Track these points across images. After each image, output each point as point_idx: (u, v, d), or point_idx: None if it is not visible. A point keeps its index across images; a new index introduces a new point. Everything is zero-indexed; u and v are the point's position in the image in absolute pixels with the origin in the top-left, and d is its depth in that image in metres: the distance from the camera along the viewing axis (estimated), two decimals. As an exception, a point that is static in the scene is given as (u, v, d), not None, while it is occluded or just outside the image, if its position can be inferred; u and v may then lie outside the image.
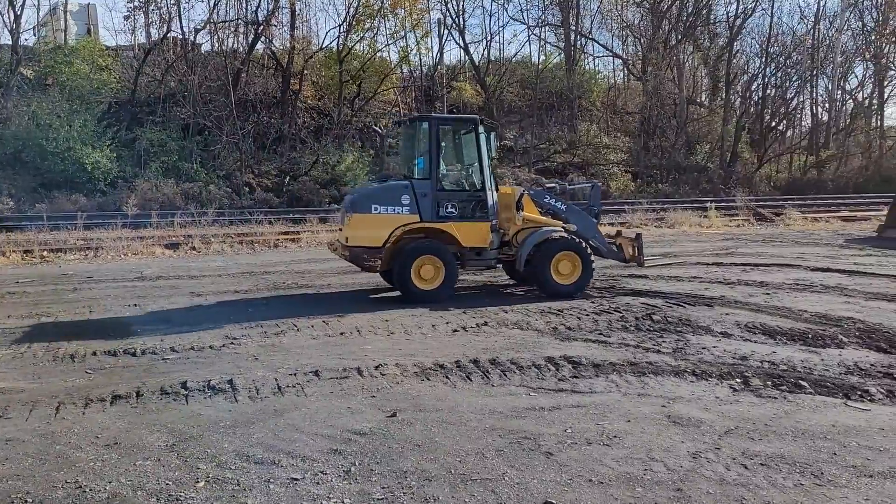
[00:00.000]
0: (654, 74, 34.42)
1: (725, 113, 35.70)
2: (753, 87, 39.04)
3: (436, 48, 33.91)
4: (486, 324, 8.25)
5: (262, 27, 28.95)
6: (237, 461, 4.44)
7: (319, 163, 26.21)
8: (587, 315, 8.72)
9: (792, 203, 25.02)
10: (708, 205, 23.46)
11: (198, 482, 4.14)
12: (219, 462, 4.42)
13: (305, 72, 29.61)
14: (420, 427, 5.00)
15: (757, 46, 38.33)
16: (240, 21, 30.39)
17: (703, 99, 40.35)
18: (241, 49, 30.58)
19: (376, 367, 6.44)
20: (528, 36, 39.90)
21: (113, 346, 7.31)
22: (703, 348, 7.17)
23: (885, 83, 39.69)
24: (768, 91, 38.35)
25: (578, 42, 37.53)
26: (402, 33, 31.59)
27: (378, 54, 31.44)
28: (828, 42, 38.45)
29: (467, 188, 9.96)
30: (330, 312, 8.97)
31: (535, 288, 10.31)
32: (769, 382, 6.04)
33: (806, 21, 39.86)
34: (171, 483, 4.14)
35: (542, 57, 38.39)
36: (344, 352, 7.08)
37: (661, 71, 34.90)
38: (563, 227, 10.19)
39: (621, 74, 41.84)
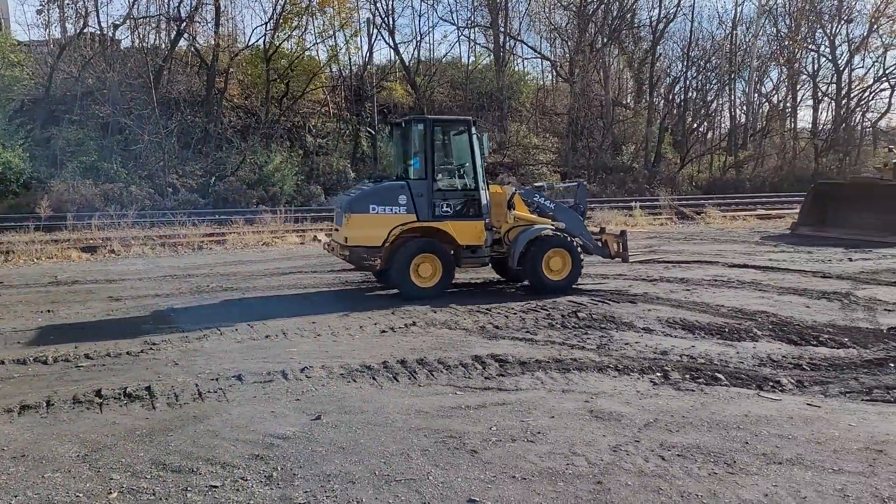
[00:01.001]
0: (581, 76, 35.06)
1: (649, 114, 36.66)
2: (676, 89, 40.24)
3: (365, 47, 33.70)
4: (414, 324, 8.24)
5: (184, 24, 28.16)
6: (153, 470, 4.29)
7: (247, 163, 25.68)
8: (515, 314, 8.81)
9: (712, 202, 25.88)
10: (633, 204, 24.06)
11: (111, 493, 3.99)
12: (133, 472, 4.27)
13: (231, 70, 28.96)
14: (345, 429, 4.95)
15: (679, 50, 39.53)
16: (161, 17, 29.51)
17: (628, 101, 41.34)
18: (164, 46, 29.68)
19: (302, 370, 6.34)
20: (458, 37, 40.27)
21: (22, 355, 6.97)
22: (626, 344, 7.34)
23: (798, 87, 41.51)
24: (690, 94, 39.61)
25: (507, 44, 37.94)
26: (331, 32, 31.27)
27: (306, 53, 31.03)
28: (745, 47, 39.95)
29: (461, 188, 10.17)
30: (256, 315, 8.80)
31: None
32: (687, 375, 6.23)
33: (724, 26, 41.26)
34: (81, 495, 3.97)
35: (472, 58, 38.66)
36: (269, 355, 6.94)
37: (588, 73, 35.59)
38: (552, 225, 10.47)
39: (550, 76, 42.49)
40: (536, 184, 11.92)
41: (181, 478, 4.19)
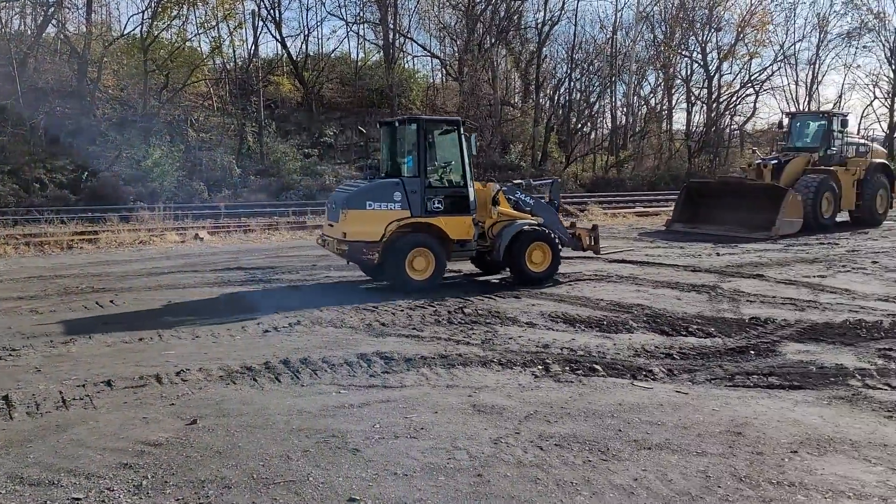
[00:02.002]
0: (470, 76, 35.52)
1: (536, 114, 37.62)
2: (561, 90, 41.50)
3: (251, 40, 32.73)
4: (298, 323, 8.08)
5: (52, 9, 26.41)
6: (9, 484, 4.00)
7: (123, 158, 24.39)
8: (402, 311, 8.81)
9: (594, 199, 26.85)
10: (520, 201, 24.56)
11: (-43, 513, 3.68)
12: (-15, 488, 3.95)
13: (105, 59, 27.41)
14: (222, 433, 4.78)
15: (563, 53, 40.81)
16: (27, 1, 27.54)
17: (516, 101, 42.23)
18: (30, 32, 27.73)
19: (177, 374, 6.08)
20: (347, 32, 39.77)
21: None
22: (510, 338, 7.48)
23: (673, 91, 43.76)
24: (574, 95, 40.96)
25: (397, 41, 37.91)
26: (214, 23, 30.16)
27: (187, 44, 29.80)
28: (624, 51, 41.70)
29: (451, 185, 10.49)
30: (129, 317, 8.37)
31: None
32: (567, 368, 6.42)
33: (605, 31, 42.84)
34: (-77, 517, 3.64)
35: (362, 54, 38.42)
36: (142, 358, 6.62)
37: (476, 72, 36.09)
38: (532, 220, 10.95)
39: (440, 74, 42.84)
40: (515, 181, 12.47)
41: (40, 491, 3.92)
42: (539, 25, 37.76)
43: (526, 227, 10.69)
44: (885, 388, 5.83)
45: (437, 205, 10.20)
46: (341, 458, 4.40)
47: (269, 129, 29.25)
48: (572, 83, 40.19)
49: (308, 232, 18.05)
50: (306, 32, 37.49)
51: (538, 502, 3.85)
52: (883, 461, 4.36)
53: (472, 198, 10.47)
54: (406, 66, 39.18)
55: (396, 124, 10.92)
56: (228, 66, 32.49)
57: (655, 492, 3.96)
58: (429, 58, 40.78)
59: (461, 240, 10.43)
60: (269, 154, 28.11)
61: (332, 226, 10.39)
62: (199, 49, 30.96)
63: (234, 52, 32.12)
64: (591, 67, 40.50)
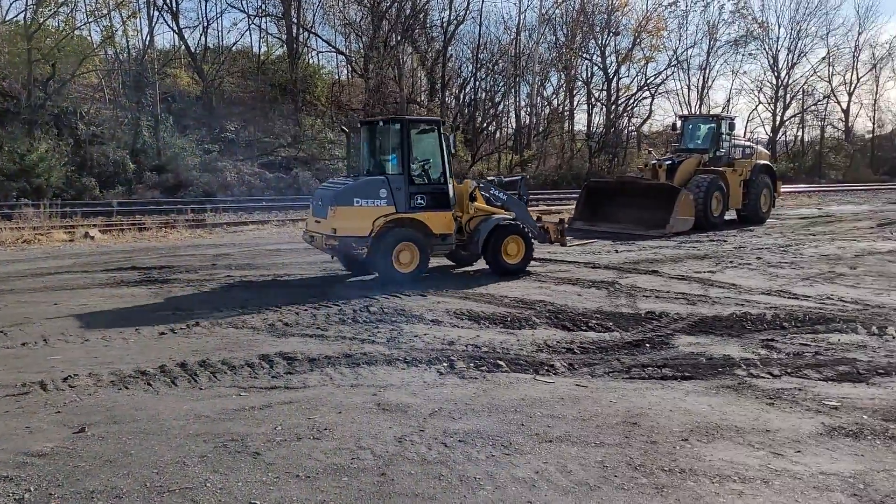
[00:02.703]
0: (376, 73, 35.36)
1: (442, 113, 37.84)
2: (467, 89, 41.97)
3: (146, 30, 31.39)
4: (197, 324, 7.81)
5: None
6: None
7: (4, 152, 22.90)
8: (306, 310, 8.66)
9: (499, 198, 27.21)
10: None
11: None
12: None
13: (-15, 47, 25.68)
14: (113, 441, 4.56)
15: (469, 52, 41.27)
16: None
17: (422, 99, 42.38)
18: None
19: (64, 380, 5.76)
20: (249, 25, 38.59)
21: None
22: (416, 336, 7.48)
23: (574, 92, 45.07)
24: (479, 94, 41.50)
25: (301, 36, 37.27)
26: (105, 11, 28.77)
27: (76, 32, 28.29)
28: (528, 52, 42.54)
29: (432, 182, 10.84)
30: (10, 320, 7.86)
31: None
32: (472, 364, 6.48)
33: (509, 32, 43.62)
34: None
35: (264, 48, 37.55)
36: (25, 364, 6.24)
37: (382, 70, 35.97)
38: (506, 215, 11.53)
39: (345, 71, 42.42)
40: (489, 178, 13.14)
41: None
42: (444, 24, 38.06)
43: (502, 222, 11.27)
44: (768, 376, 6.19)
45: (419, 201, 10.63)
46: (241, 462, 4.28)
47: (165, 124, 28.16)
48: (477, 82, 40.74)
49: (207, 230, 17.51)
50: (205, 24, 36.15)
51: (442, 499, 3.86)
52: (765, 445, 4.62)
53: (451, 194, 10.98)
54: (311, 61, 38.61)
55: (381, 124, 11.32)
56: (122, 57, 31.07)
57: (556, 483, 4.06)
58: (334, 54, 40.31)
59: (442, 234, 10.91)
60: (166, 149, 27.06)
61: (318, 222, 10.60)
62: (89, 38, 29.46)
63: (127, 42, 30.74)
64: (495, 67, 41.15)
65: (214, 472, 4.13)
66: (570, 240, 13.83)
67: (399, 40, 37.45)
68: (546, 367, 6.45)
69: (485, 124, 41.96)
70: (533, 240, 11.71)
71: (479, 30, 41.18)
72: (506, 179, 13.03)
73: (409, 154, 10.54)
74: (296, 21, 35.65)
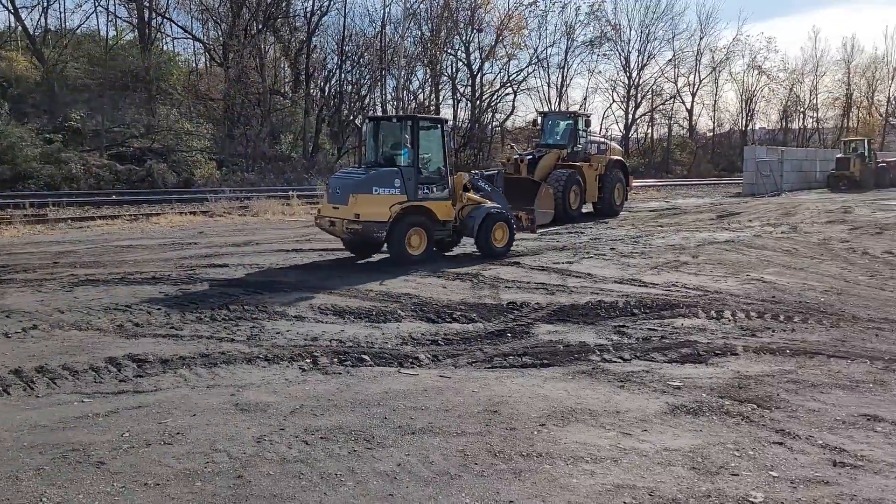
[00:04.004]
0: (236, 62, 34.10)
1: (307, 105, 37.13)
2: (332, 81, 41.39)
3: (-24, 8, 28.68)
4: (35, 327, 7.21)
5: None
6: None
7: None
8: (159, 309, 8.21)
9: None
10: (291, 193, 24.15)
11: None
12: None
13: None
14: (-68, 459, 4.12)
15: (334, 44, 40.69)
16: None
17: (286, 90, 41.35)
18: None
19: None
20: (95, 7, 35.96)
21: None
22: (278, 333, 7.29)
23: (440, 87, 45.58)
24: (345, 87, 41.04)
25: (154, 20, 35.34)
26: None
27: None
28: (393, 46, 42.53)
29: (436, 173, 12.03)
30: None
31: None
32: (336, 359, 6.39)
33: (374, 25, 43.44)
34: None
35: (113, 32, 35.28)
36: None
37: (243, 59, 34.74)
38: (492, 204, 12.76)
39: (203, 59, 40.67)
40: (474, 171, 14.54)
41: None
42: (308, 15, 37.29)
43: (492, 210, 12.56)
44: (619, 360, 6.52)
45: (426, 190, 11.78)
46: (82, 473, 3.99)
47: (2, 111, 25.81)
48: (343, 75, 40.25)
49: (49, 226, 16.24)
50: (45, 4, 33.44)
51: (301, 498, 3.77)
52: (616, 426, 4.86)
53: (450, 185, 12.20)
54: (165, 47, 36.72)
55: (394, 121, 12.91)
56: (-54, 36, 28.21)
57: (417, 474, 4.07)
58: (190, 41, 38.56)
59: (444, 220, 12.09)
60: (2, 139, 24.82)
61: (337, 209, 11.54)
62: None
63: (-47, 19, 27.92)
64: (361, 60, 40.82)
65: (52, 486, 3.82)
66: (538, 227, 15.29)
67: (260, 29, 36.33)
68: (410, 360, 6.46)
69: (351, 117, 41.58)
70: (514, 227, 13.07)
71: (344, 21, 40.65)
72: (486, 173, 14.29)
73: (418, 148, 11.66)
74: (147, 5, 33.75)
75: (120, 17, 35.57)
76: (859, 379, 5.97)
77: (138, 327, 7.38)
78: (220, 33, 36.95)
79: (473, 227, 12.32)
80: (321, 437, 4.57)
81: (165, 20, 36.42)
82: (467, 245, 13.01)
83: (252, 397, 5.33)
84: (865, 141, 40.03)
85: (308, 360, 6.33)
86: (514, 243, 13.07)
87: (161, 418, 4.86)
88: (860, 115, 67.29)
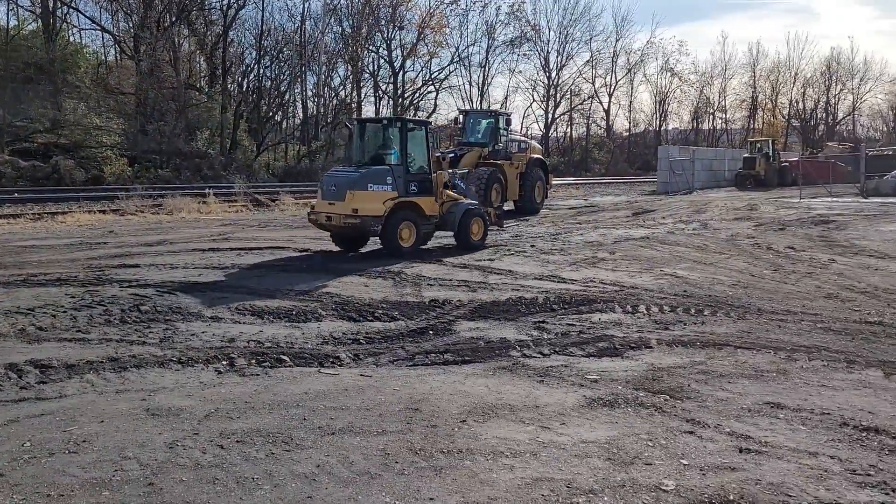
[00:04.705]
0: (148, 55, 32.93)
1: (224, 100, 36.22)
2: (251, 77, 40.53)
3: None
4: (-74, 333, 6.77)
5: None
6: None
7: None
8: (65, 312, 7.83)
9: (286, 189, 26.66)
10: (207, 191, 23.49)
11: None
12: None
13: None
14: None
15: (252, 38, 39.83)
16: None
17: (202, 85, 40.20)
18: None
19: None
20: (-5, -5, 34.09)
21: None
22: (193, 335, 7.08)
23: (362, 84, 45.24)
24: (264, 82, 40.25)
25: (60, 10, 33.72)
26: None
27: None
28: (314, 42, 41.97)
29: (422, 172, 12.85)
30: None
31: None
32: (253, 361, 6.25)
33: (294, 20, 42.74)
34: None
35: (14, 22, 33.48)
36: None
37: (156, 52, 33.57)
38: (471, 201, 13.88)
39: (113, 51, 39.09)
40: (450, 171, 15.06)
41: None
42: (224, 8, 36.37)
43: (470, 207, 13.51)
44: (539, 356, 6.62)
45: (413, 188, 12.58)
46: (-22, 487, 3.76)
47: None
48: (262, 70, 39.49)
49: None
50: (-63, -11, 31.36)
51: (216, 503, 3.67)
52: (535, 421, 4.93)
53: (434, 182, 12.98)
54: (72, 39, 35.12)
55: (385, 122, 13.54)
56: None
57: (337, 476, 4.02)
58: (99, 32, 36.99)
59: (430, 215, 12.85)
60: None
61: (333, 204, 12.16)
62: None
63: None
64: (280, 55, 40.13)
65: (-57, 503, 3.59)
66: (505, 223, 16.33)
67: (174, 21, 35.19)
68: (331, 360, 6.38)
69: (270, 113, 40.81)
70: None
71: (262, 16, 39.95)
72: (458, 172, 15.22)
73: (406, 148, 12.48)
74: (52, -7, 32.19)
75: (22, 7, 33.81)
76: (764, 368, 6.25)
77: (42, 331, 7.02)
78: (130, 25, 35.59)
79: (455, 223, 13.21)
80: (237, 441, 4.46)
81: (72, 10, 34.82)
82: (376, 242, 12.93)
83: (164, 402, 5.15)
84: (770, 141, 42.10)
85: (224, 362, 6.17)
86: (435, 239, 13.45)
87: (66, 426, 4.63)
88: (765, 116, 70.74)
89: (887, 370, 6.20)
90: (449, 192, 13.49)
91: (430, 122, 14.45)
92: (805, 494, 3.88)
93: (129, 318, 7.63)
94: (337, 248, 13.05)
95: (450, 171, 14.83)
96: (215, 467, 4.08)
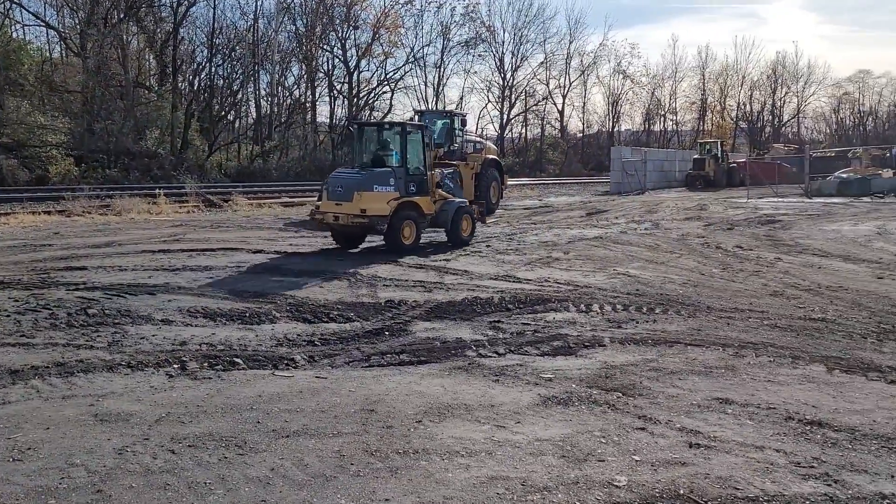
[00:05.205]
0: (95, 52, 32.12)
1: (175, 99, 35.54)
2: (202, 75, 39.85)
3: None
4: None
5: None
6: None
7: None
8: (8, 316, 7.59)
9: (239, 190, 26.30)
10: (157, 191, 23.01)
11: None
12: None
13: None
14: None
15: (203, 36, 39.17)
16: None
17: (151, 83, 39.36)
18: None
19: None
20: (-69, -12, 32.85)
21: None
22: (143, 338, 6.93)
23: (316, 84, 44.86)
24: (216, 81, 39.62)
25: (2, 5, 32.66)
26: None
27: None
28: (267, 40, 41.47)
29: (419, 173, 13.48)
30: None
31: None
32: (206, 364, 6.15)
33: (246, 18, 42.18)
34: None
35: (-46, 16, 32.31)
36: None
37: (103, 49, 32.76)
38: (461, 200, 14.60)
39: (58, 48, 38.03)
40: (440, 171, 15.34)
41: None
42: (174, 5, 35.68)
43: (461, 205, 14.24)
44: (494, 355, 6.66)
45: (412, 188, 13.18)
46: (-84, 499, 3.63)
47: None
48: (214, 68, 38.88)
49: None
50: None
51: (167, 510, 3.60)
52: (490, 420, 4.96)
53: (429, 183, 13.63)
54: (15, 35, 34.02)
55: (386, 126, 14.57)
56: None
57: (291, 478, 3.98)
58: (44, 28, 35.93)
59: (427, 213, 13.46)
60: None
61: (339, 205, 12.71)
62: None
63: None
64: (233, 54, 39.59)
65: None
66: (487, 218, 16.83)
67: (122, 18, 34.39)
68: (286, 362, 6.32)
69: (222, 113, 40.19)
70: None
71: (214, 13, 39.55)
72: (447, 172, 15.74)
73: (405, 151, 13.12)
74: (-6, -13, 31.17)
75: (-39, 1, 32.65)
76: (713, 365, 6.40)
77: (-17, 336, 6.80)
78: (76, 21, 34.67)
79: (448, 221, 13.91)
80: (189, 446, 4.38)
81: (14, 5, 33.76)
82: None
83: (113, 407, 5.03)
84: (719, 143, 43.11)
85: (176, 366, 6.06)
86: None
87: (10, 433, 4.49)
88: (714, 118, 72.35)
89: (830, 365, 6.41)
90: (440, 191, 14.16)
91: (427, 126, 15.08)
92: (752, 487, 3.98)
93: (76, 322, 7.43)
94: (335, 245, 13.67)
95: (440, 171, 15.32)
96: (166, 472, 4.00)
